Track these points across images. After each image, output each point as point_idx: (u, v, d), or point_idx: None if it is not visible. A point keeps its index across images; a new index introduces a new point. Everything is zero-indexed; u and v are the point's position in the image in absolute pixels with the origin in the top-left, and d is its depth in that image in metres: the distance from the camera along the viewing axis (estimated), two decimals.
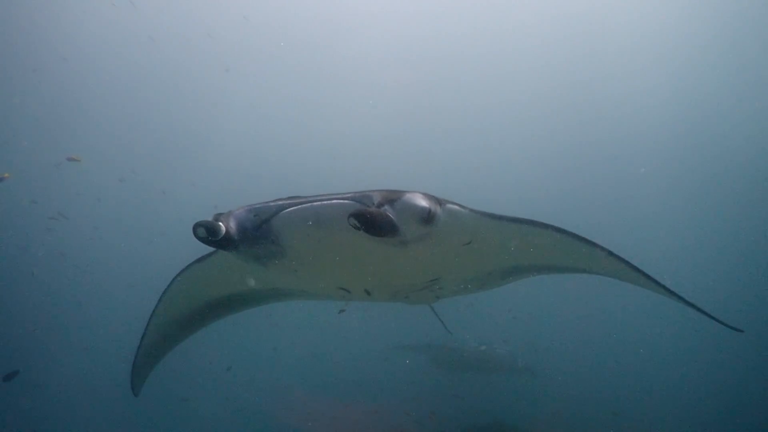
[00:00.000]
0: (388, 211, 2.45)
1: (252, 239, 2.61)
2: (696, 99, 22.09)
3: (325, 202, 2.50)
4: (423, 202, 2.53)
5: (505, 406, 11.46)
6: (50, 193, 19.09)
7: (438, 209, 2.62)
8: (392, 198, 2.50)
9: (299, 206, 2.51)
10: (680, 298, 3.21)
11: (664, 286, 3.19)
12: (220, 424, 13.14)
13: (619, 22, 20.07)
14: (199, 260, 3.28)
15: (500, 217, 2.88)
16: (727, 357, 18.11)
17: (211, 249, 2.98)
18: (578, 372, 16.33)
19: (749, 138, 21.72)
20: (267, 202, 2.64)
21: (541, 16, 20.46)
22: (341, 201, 2.48)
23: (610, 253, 3.10)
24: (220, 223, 2.51)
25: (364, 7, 20.07)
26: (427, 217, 2.54)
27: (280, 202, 2.59)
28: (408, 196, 2.53)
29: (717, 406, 15.91)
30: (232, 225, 2.56)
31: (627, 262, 3.13)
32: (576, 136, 24.22)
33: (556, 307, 18.91)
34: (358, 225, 2.31)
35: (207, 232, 2.45)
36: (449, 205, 2.71)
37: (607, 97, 23.03)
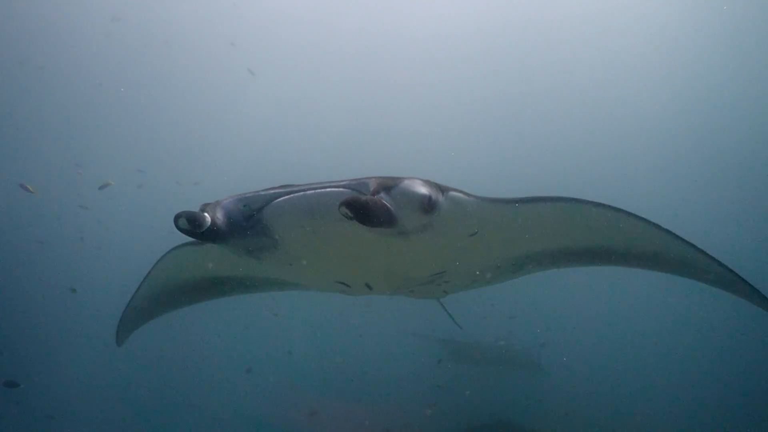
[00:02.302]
0: (384, 198, 2.26)
1: (241, 231, 2.45)
2: (700, 96, 21.79)
3: (318, 191, 2.33)
4: (422, 189, 2.34)
5: (510, 404, 11.27)
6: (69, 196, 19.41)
7: (440, 197, 2.43)
8: (389, 185, 2.32)
9: (290, 195, 2.35)
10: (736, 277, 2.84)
11: (720, 263, 2.81)
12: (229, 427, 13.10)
13: (623, 20, 19.88)
14: (194, 243, 3.10)
15: (507, 201, 2.65)
16: (737, 354, 17.83)
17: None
18: (585, 369, 16.12)
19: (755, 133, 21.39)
20: (257, 191, 2.47)
21: (546, 14, 20.28)
22: (335, 189, 2.31)
23: (645, 222, 2.71)
24: (206, 214, 2.33)
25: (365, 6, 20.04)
26: (427, 205, 2.35)
27: (272, 191, 2.42)
28: (406, 182, 2.34)
29: (726, 402, 15.59)
30: (219, 216, 2.38)
31: (664, 230, 2.73)
32: (579, 135, 23.97)
33: (563, 302, 18.74)
34: (349, 214, 2.12)
35: (189, 223, 2.25)
36: (452, 193, 2.51)
37: (610, 95, 22.79)
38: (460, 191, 2.56)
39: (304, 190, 2.34)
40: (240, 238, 2.48)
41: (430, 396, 11.62)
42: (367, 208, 2.14)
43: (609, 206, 2.70)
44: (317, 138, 24.25)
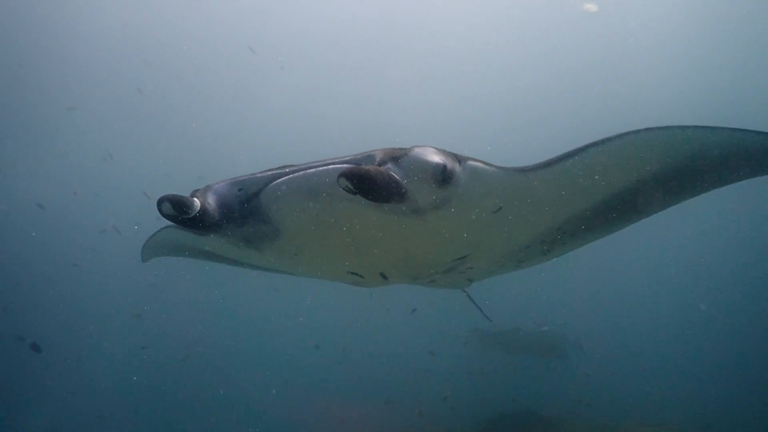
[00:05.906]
0: (392, 169, 1.97)
1: (236, 218, 2.18)
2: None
3: (319, 168, 2.05)
4: (435, 158, 2.03)
5: (532, 392, 10.91)
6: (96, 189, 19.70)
7: (456, 167, 2.10)
8: (397, 155, 2.02)
9: (289, 176, 2.08)
10: None
11: None
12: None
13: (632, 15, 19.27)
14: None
15: (533, 168, 2.27)
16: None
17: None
18: (608, 356, 15.67)
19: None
20: (254, 174, 2.20)
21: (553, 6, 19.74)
22: (338, 165, 2.02)
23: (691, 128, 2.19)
24: (195, 199, 2.04)
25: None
26: (441, 176, 2.04)
27: (269, 173, 2.15)
28: (417, 150, 2.03)
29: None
30: (211, 201, 2.10)
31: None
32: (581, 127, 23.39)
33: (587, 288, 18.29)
34: (350, 187, 1.82)
35: (175, 209, 1.95)
36: (471, 162, 2.17)
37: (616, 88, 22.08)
38: (481, 161, 2.23)
39: (304, 169, 2.07)
40: (235, 226, 2.21)
41: (459, 386, 11.41)
42: (370, 178, 1.84)
43: (638, 130, 2.20)
44: (331, 132, 24.18)
